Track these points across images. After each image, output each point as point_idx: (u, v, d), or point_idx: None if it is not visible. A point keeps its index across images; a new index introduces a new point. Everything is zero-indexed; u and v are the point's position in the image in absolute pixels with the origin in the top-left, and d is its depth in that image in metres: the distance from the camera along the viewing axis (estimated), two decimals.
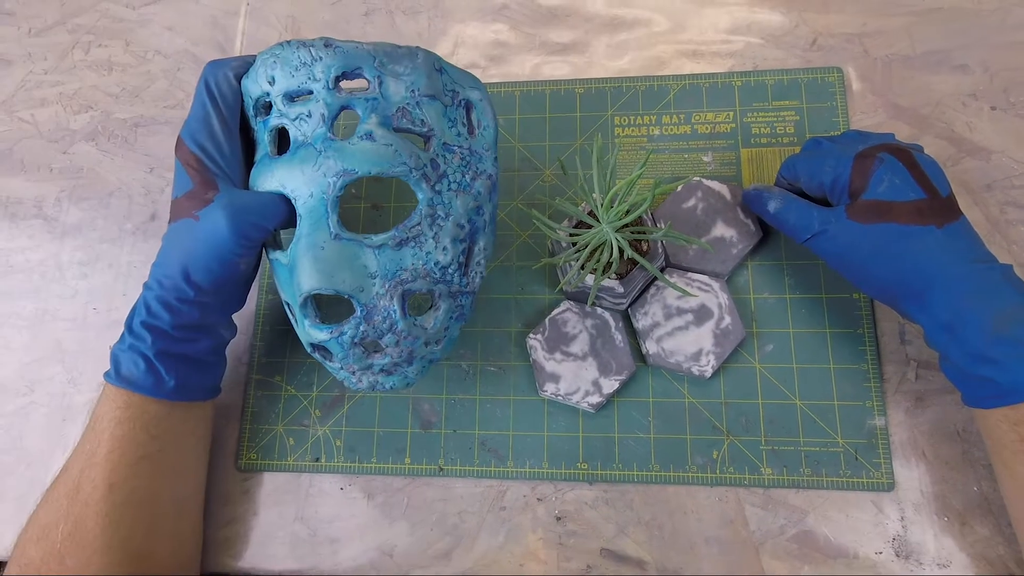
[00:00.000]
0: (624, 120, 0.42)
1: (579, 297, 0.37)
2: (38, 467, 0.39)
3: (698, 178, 0.39)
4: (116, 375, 0.32)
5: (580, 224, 0.35)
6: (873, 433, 0.35)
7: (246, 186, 0.33)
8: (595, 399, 0.36)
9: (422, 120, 0.30)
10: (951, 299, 0.29)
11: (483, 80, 0.44)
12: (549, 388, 0.36)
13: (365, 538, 0.36)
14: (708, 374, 0.35)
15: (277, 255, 0.32)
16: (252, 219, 0.31)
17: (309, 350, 0.32)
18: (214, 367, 0.35)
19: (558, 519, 0.36)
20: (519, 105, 0.43)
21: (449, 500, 0.36)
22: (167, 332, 0.32)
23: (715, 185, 0.38)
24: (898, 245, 0.30)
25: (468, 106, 0.33)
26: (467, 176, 0.32)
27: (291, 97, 0.31)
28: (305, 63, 0.30)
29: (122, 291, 0.42)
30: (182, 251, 0.31)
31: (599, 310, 0.37)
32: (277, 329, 0.40)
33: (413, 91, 0.30)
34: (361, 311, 0.30)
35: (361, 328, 0.30)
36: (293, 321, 0.33)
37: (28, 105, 0.46)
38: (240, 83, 0.33)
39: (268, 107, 0.33)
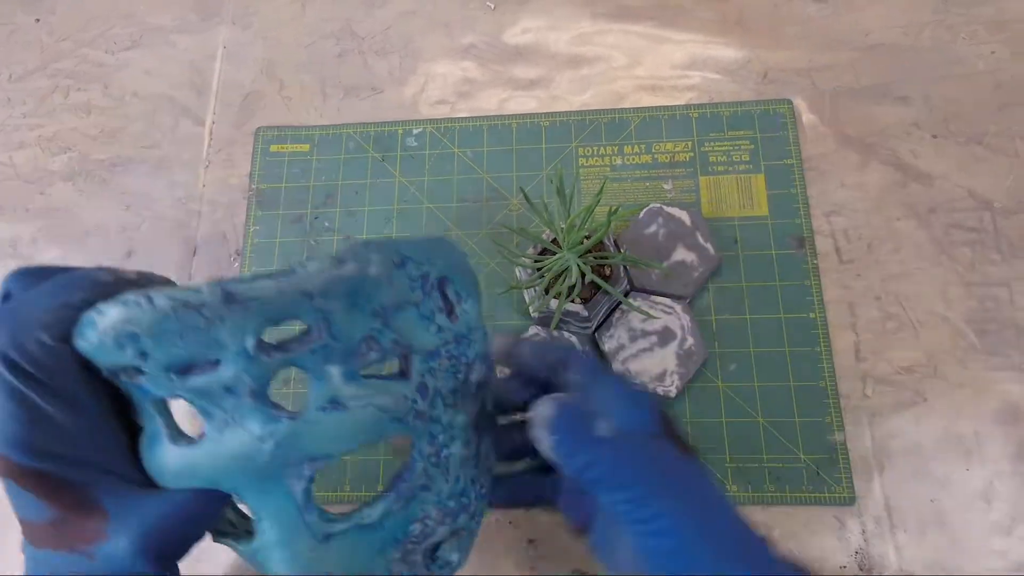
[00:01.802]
0: (588, 151, 0.45)
1: (548, 322, 0.40)
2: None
3: (659, 204, 0.42)
4: None
5: (545, 251, 0.38)
6: (833, 448, 0.37)
7: (126, 458, 0.23)
8: None
9: (394, 341, 0.23)
10: None
11: (451, 115, 0.47)
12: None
13: None
14: (673, 394, 0.38)
15: (231, 543, 0.25)
16: (179, 536, 0.22)
17: None
18: None
19: (530, 542, 0.37)
20: (487, 138, 0.46)
21: None
22: None
23: (675, 211, 0.42)
24: None
25: (442, 283, 0.25)
26: (459, 375, 0.25)
27: (183, 371, 0.21)
28: (195, 327, 0.20)
29: None
30: None
31: (566, 335, 0.40)
32: None
33: (375, 312, 0.23)
34: None
35: None
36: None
37: (6, 148, 0.49)
38: (63, 341, 0.21)
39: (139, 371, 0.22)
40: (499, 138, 0.46)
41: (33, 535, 0.22)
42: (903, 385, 0.38)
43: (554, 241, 0.37)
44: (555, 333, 0.40)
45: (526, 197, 0.36)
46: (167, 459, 0.22)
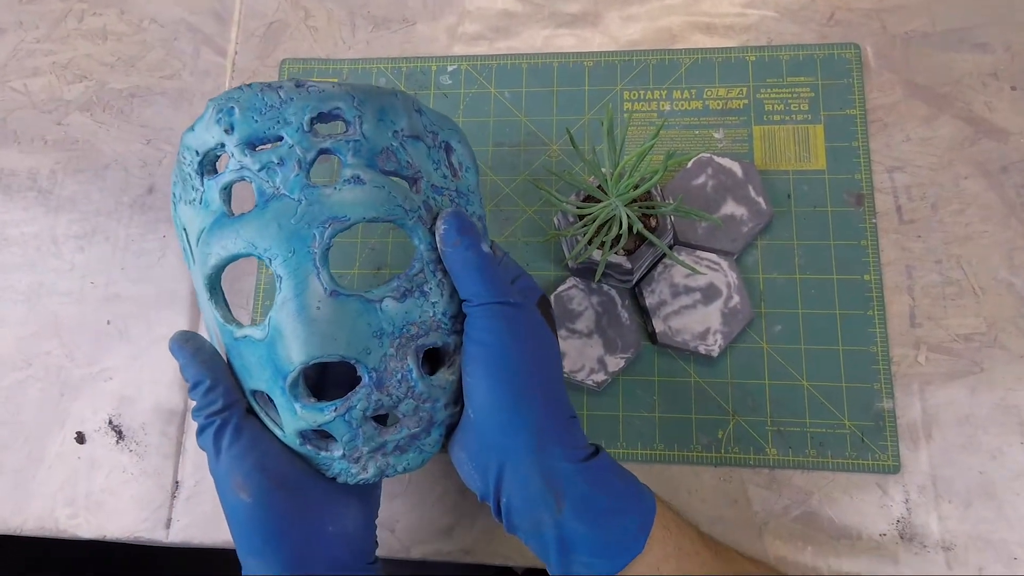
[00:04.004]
0: (634, 95, 0.43)
1: (585, 274, 0.39)
2: (35, 442, 0.41)
3: (709, 154, 0.40)
4: None
5: (588, 199, 0.37)
6: (880, 416, 0.36)
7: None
8: (600, 377, 0.37)
9: (408, 162, 0.29)
10: None
11: (489, 52, 0.45)
12: None
13: None
14: (715, 353, 0.37)
15: (247, 331, 0.28)
16: None
17: (296, 443, 0.29)
18: None
19: None
20: (526, 78, 0.44)
21: (451, 477, 0.38)
22: None
23: (726, 162, 0.40)
24: None
25: (448, 149, 0.32)
26: None
27: (253, 145, 0.28)
28: (273, 106, 0.28)
29: (120, 265, 0.43)
30: None
31: (605, 287, 0.39)
32: None
33: (395, 132, 0.29)
34: (370, 378, 0.28)
35: (374, 397, 0.28)
36: (266, 415, 0.30)
37: (20, 74, 0.48)
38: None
39: (214, 163, 0.30)
40: (539, 78, 0.44)
41: None
42: (959, 354, 0.37)
43: (599, 188, 0.35)
44: (595, 286, 0.39)
45: (571, 139, 0.34)
46: (219, 232, 0.28)
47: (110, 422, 0.41)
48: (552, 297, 0.39)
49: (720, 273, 0.38)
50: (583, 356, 0.38)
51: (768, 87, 0.42)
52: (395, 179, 0.29)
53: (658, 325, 0.38)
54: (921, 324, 0.38)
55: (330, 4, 0.47)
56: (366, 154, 0.28)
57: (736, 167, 0.40)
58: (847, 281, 0.38)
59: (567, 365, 0.38)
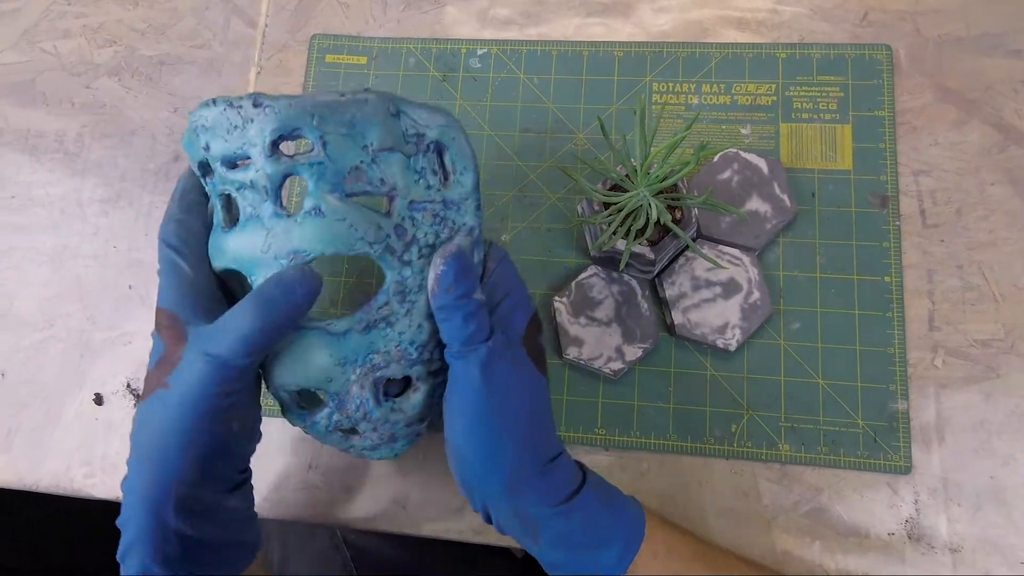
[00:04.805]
0: (663, 87, 0.43)
1: (606, 262, 0.39)
2: (54, 401, 0.41)
3: (735, 149, 0.40)
4: None
5: (614, 187, 0.37)
6: (894, 416, 0.36)
7: (221, 306, 0.29)
8: (617, 365, 0.37)
9: (381, 179, 0.27)
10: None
11: (519, 39, 0.44)
12: (571, 352, 0.38)
13: (378, 489, 0.38)
14: (733, 347, 0.37)
15: None
16: (230, 352, 0.26)
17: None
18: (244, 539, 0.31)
19: None
20: (555, 65, 0.44)
21: None
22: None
23: (752, 158, 0.40)
24: None
25: (440, 149, 0.29)
26: (442, 236, 0.29)
27: (231, 163, 0.28)
28: (236, 126, 0.27)
29: (143, 231, 0.43)
30: (154, 452, 0.27)
31: (626, 277, 0.39)
32: None
33: (365, 147, 0.27)
34: (333, 402, 0.29)
35: (334, 418, 0.30)
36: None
37: (51, 36, 0.48)
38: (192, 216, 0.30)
39: (210, 168, 0.30)
40: (568, 66, 0.44)
41: (147, 385, 0.28)
42: (976, 359, 0.37)
43: (627, 177, 0.35)
44: (616, 276, 0.39)
45: (602, 127, 0.34)
46: (216, 241, 0.29)
47: (128, 386, 0.41)
48: (573, 285, 0.39)
49: (741, 268, 0.38)
50: (601, 344, 0.38)
51: (797, 85, 0.42)
52: (363, 205, 0.27)
53: (677, 317, 0.38)
54: (939, 328, 0.37)
55: None
56: (331, 177, 0.27)
57: (762, 163, 0.39)
58: (868, 282, 0.38)
59: (586, 352, 0.38)
